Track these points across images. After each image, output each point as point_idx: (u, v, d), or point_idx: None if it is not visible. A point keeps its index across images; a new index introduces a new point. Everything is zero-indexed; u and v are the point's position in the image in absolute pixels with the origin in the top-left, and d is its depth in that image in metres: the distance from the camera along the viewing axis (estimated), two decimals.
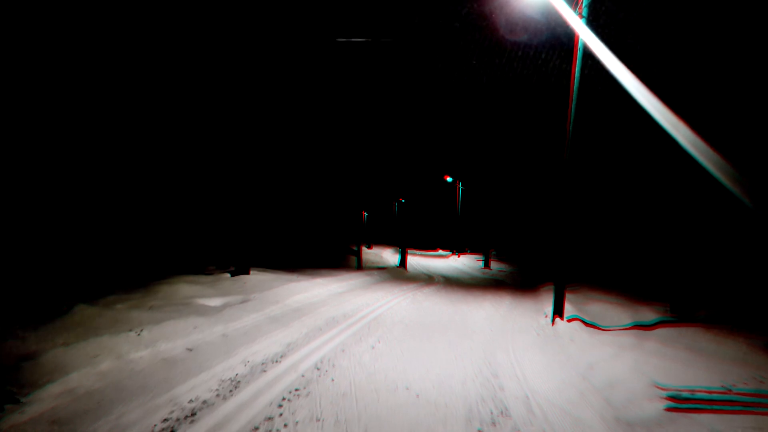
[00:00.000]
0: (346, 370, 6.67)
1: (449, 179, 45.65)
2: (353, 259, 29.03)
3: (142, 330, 6.99)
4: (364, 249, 46.01)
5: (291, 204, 35.70)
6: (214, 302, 10.26)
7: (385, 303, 12.95)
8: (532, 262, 38.52)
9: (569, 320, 10.17)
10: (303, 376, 6.31)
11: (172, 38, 17.43)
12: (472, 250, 52.26)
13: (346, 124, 37.98)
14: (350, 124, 38.64)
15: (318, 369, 6.65)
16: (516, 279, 25.89)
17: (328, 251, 33.87)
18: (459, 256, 46.04)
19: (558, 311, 10.20)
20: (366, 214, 58.01)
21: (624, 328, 10.13)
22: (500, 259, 42.20)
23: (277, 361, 6.87)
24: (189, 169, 19.13)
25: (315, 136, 35.84)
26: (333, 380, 6.21)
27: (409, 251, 48.44)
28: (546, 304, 13.33)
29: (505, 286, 21.33)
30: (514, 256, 44.04)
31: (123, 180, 17.41)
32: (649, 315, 11.36)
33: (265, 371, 6.39)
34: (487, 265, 36.64)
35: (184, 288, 10.82)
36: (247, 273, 14.12)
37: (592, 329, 9.85)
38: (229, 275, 14.03)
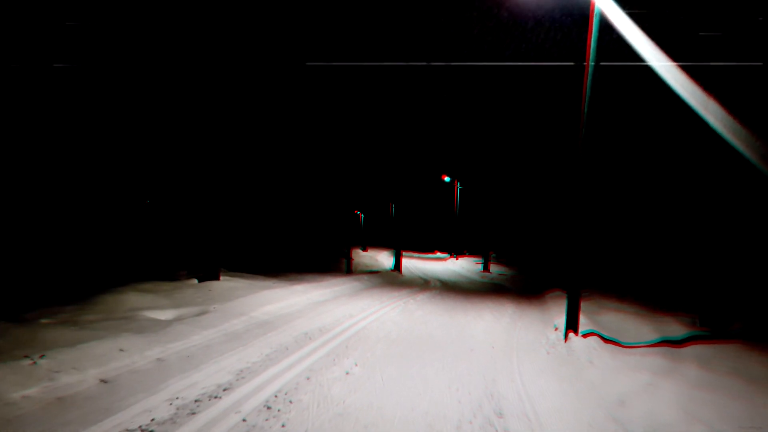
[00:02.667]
0: (307, 410, 5.11)
1: (447, 179, 44.06)
2: (350, 261, 27.39)
3: (42, 356, 5.41)
4: (359, 252, 44.41)
5: (279, 204, 34.11)
6: (165, 315, 8.68)
7: (371, 313, 11.38)
8: (533, 265, 36.97)
9: (585, 335, 8.61)
10: (245, 420, 4.74)
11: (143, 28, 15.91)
12: (471, 253, 50.67)
13: (341, 122, 36.44)
14: (346, 121, 37.09)
15: (268, 408, 5.09)
16: (518, 283, 24.32)
17: (318, 254, 32.27)
18: (457, 259, 44.48)
19: (572, 325, 8.63)
20: (362, 215, 56.41)
21: (650, 345, 8.57)
22: (500, 261, 40.63)
23: (216, 397, 5.29)
24: (161, 165, 17.60)
25: (307, 133, 34.26)
26: (284, 426, 4.65)
27: (406, 254, 46.85)
28: (555, 314, 11.76)
29: (507, 291, 19.76)
30: (515, 258, 42.50)
31: (84, 176, 15.88)
32: (675, 328, 9.80)
33: (194, 414, 4.81)
34: (486, 268, 35.08)
35: (133, 298, 9.24)
36: (217, 279, 12.55)
37: (613, 347, 8.29)
38: (196, 281, 12.46)
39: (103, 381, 5.44)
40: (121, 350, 6.18)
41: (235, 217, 25.36)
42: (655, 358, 7.59)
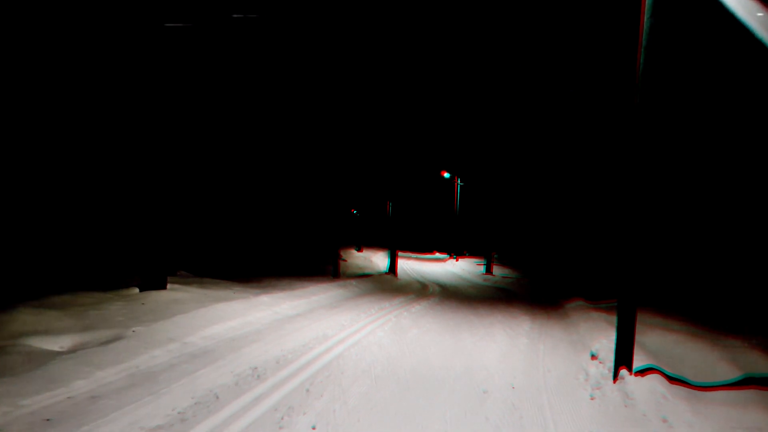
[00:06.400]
0: None
1: (446, 175, 41.58)
2: (338, 263, 24.93)
3: None
4: (353, 252, 41.99)
5: (264, 201, 31.67)
6: (60, 343, 6.29)
7: (352, 333, 8.99)
8: (540, 267, 34.59)
9: (642, 372, 6.22)
10: None
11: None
12: (472, 254, 48.20)
13: (335, 113, 33.85)
14: (341, 113, 34.49)
15: None
16: (526, 289, 21.93)
17: (306, 255, 29.81)
18: (457, 260, 42.05)
19: (624, 358, 6.23)
20: (359, 214, 53.98)
21: (733, 385, 6.19)
22: (503, 263, 38.21)
23: None
24: (125, 149, 15.18)
25: (304, 129, 31.76)
26: None
27: (403, 254, 44.34)
28: (586, 334, 9.36)
29: (516, 299, 17.36)
30: (519, 260, 40.13)
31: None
32: (754, 358, 7.42)
33: None
34: (489, 270, 32.67)
35: (26, 318, 6.83)
36: (164, 287, 10.16)
37: (683, 390, 5.91)
38: (138, 290, 10.06)
39: None
40: None
41: (209, 212, 22.98)
42: (752, 413, 5.23)
